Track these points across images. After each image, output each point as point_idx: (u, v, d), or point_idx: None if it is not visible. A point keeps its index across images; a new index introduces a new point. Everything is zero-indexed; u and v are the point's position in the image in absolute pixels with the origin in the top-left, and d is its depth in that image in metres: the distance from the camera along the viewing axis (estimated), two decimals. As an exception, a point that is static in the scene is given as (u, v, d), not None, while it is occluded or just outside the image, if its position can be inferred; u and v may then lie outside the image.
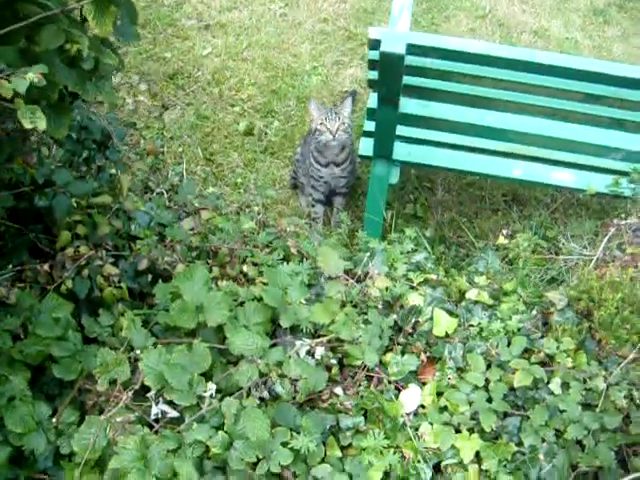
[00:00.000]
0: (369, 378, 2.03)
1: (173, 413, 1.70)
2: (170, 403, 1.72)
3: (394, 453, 1.86)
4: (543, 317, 2.02)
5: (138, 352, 1.73)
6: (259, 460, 1.71)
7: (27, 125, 1.18)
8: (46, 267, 1.96)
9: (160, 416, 1.70)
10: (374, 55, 2.44)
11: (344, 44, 4.00)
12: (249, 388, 1.74)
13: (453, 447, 1.89)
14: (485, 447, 1.86)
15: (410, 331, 2.12)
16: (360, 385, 1.99)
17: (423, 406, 1.99)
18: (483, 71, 2.46)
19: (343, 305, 2.09)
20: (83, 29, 1.34)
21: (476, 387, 1.93)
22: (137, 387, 1.71)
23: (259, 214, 2.62)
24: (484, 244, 2.84)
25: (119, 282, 2.00)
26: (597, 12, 4.31)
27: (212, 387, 1.68)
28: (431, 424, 1.93)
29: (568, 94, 2.48)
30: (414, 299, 2.17)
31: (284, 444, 1.75)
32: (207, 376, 1.74)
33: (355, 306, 2.12)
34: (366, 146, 2.99)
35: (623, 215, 2.08)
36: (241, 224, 2.26)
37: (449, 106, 2.74)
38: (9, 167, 1.91)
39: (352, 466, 1.84)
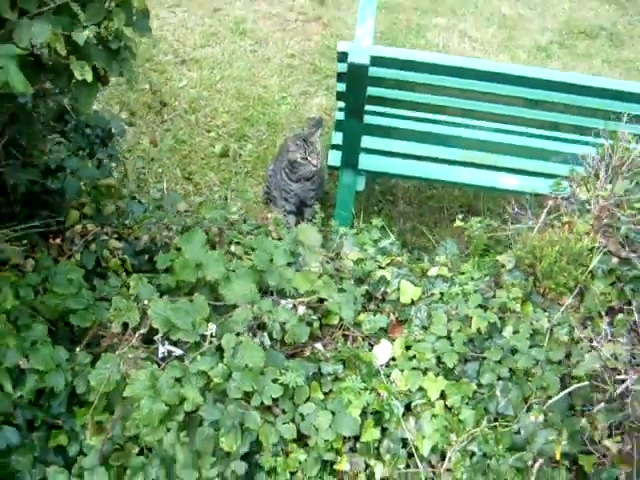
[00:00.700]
0: (345, 336, 2.35)
1: (178, 351, 1.99)
2: (175, 344, 2.02)
3: (370, 393, 2.17)
4: (495, 279, 2.38)
5: (146, 302, 2.03)
6: (253, 393, 2.01)
7: (78, 76, 1.51)
8: (58, 241, 2.26)
9: (166, 354, 1.99)
10: (342, 68, 2.85)
11: (310, 76, 4.45)
12: (244, 331, 2.04)
13: (421, 388, 2.20)
14: (449, 386, 2.18)
15: (380, 298, 2.46)
16: (338, 342, 2.31)
17: (394, 359, 2.31)
18: (436, 80, 2.88)
19: (320, 276, 2.42)
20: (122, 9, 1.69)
21: (439, 337, 2.26)
22: (146, 330, 2.00)
23: (241, 209, 2.96)
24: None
25: (123, 254, 2.31)
26: (540, 49, 4.87)
27: (213, 327, 1.99)
28: (401, 370, 2.25)
29: (512, 100, 2.92)
30: (382, 274, 2.51)
31: (274, 380, 2.05)
32: (207, 322, 2.05)
33: (331, 277, 2.45)
34: (334, 157, 3.38)
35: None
36: (228, 209, 2.59)
37: (406, 115, 3.16)
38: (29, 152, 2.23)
39: (334, 404, 2.14)
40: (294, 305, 2.23)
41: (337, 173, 3.44)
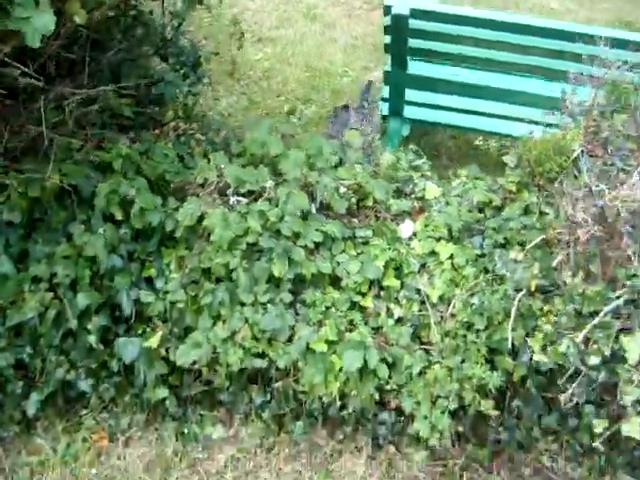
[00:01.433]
0: (377, 217, 3.01)
1: (244, 200, 2.70)
2: (243, 196, 2.72)
3: (392, 252, 2.82)
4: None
5: (222, 165, 2.76)
6: (299, 235, 2.69)
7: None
8: (157, 131, 3.02)
9: (235, 204, 2.70)
10: (387, 21, 3.55)
11: (371, 55, 5.18)
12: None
13: (434, 252, 2.83)
14: (457, 249, 2.80)
15: (408, 194, 3.11)
16: (370, 219, 2.97)
17: (415, 234, 2.95)
18: (473, 32, 3.52)
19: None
20: None
21: (450, 214, 2.89)
22: (221, 184, 2.71)
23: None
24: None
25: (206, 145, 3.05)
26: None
27: (271, 182, 2.69)
28: (419, 240, 2.89)
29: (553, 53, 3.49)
30: (412, 175, 3.16)
31: (317, 229, 2.72)
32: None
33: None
34: (384, 107, 4.07)
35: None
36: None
37: (445, 67, 3.83)
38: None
39: (363, 257, 2.80)
40: (336, 183, 2.91)
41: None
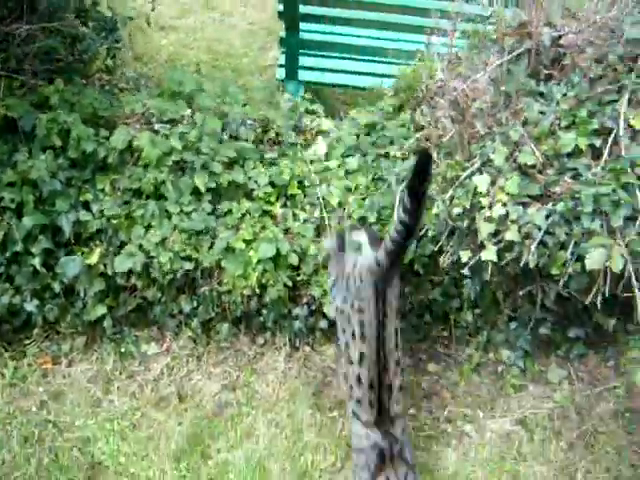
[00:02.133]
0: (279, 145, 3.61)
1: (168, 126, 3.25)
2: (165, 123, 3.28)
3: (296, 169, 3.42)
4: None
5: (146, 101, 3.31)
6: (216, 152, 3.26)
7: None
8: (84, 81, 3.54)
9: (160, 129, 3.25)
10: (280, -11, 4.21)
11: (266, 37, 5.84)
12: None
13: (329, 168, 3.46)
14: (350, 162, 3.44)
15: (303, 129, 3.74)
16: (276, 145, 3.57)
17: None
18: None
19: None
20: None
21: (343, 137, 3.53)
22: (147, 114, 3.26)
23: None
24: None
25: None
26: None
27: (189, 111, 3.26)
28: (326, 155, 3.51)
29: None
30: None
31: (230, 146, 3.30)
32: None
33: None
34: (280, 73, 4.72)
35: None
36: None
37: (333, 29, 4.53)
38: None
39: (271, 171, 3.38)
40: (243, 119, 3.51)
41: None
